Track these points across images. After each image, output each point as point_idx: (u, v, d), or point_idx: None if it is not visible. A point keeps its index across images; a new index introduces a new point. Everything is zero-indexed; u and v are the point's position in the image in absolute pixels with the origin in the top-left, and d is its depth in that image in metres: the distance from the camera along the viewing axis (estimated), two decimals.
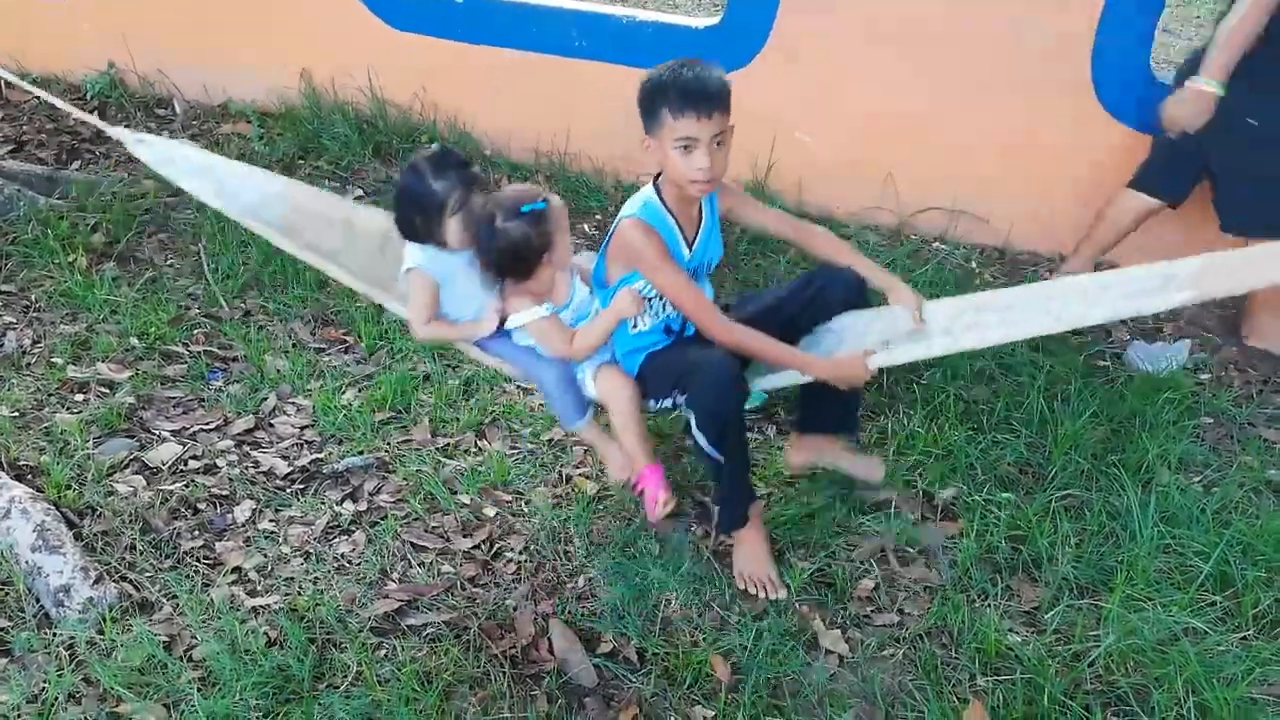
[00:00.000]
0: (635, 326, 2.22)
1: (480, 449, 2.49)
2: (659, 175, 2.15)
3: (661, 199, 2.15)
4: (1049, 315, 2.06)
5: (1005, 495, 2.37)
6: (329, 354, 2.83)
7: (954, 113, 3.66)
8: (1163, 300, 1.95)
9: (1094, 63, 3.47)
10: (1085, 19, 3.41)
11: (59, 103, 2.38)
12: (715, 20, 3.82)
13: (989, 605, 2.11)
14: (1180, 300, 1.92)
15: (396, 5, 4.00)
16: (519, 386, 2.72)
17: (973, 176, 3.76)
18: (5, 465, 2.23)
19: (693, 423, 2.06)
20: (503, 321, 2.19)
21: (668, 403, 2.21)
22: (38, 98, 4.24)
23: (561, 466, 2.45)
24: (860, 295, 2.28)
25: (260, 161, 3.81)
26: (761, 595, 2.13)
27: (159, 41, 4.28)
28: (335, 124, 4.04)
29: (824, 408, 2.36)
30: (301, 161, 3.91)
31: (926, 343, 2.20)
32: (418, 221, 2.12)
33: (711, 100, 1.96)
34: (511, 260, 2.10)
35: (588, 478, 2.42)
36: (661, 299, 2.18)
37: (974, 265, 3.68)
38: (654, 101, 2.00)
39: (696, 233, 2.22)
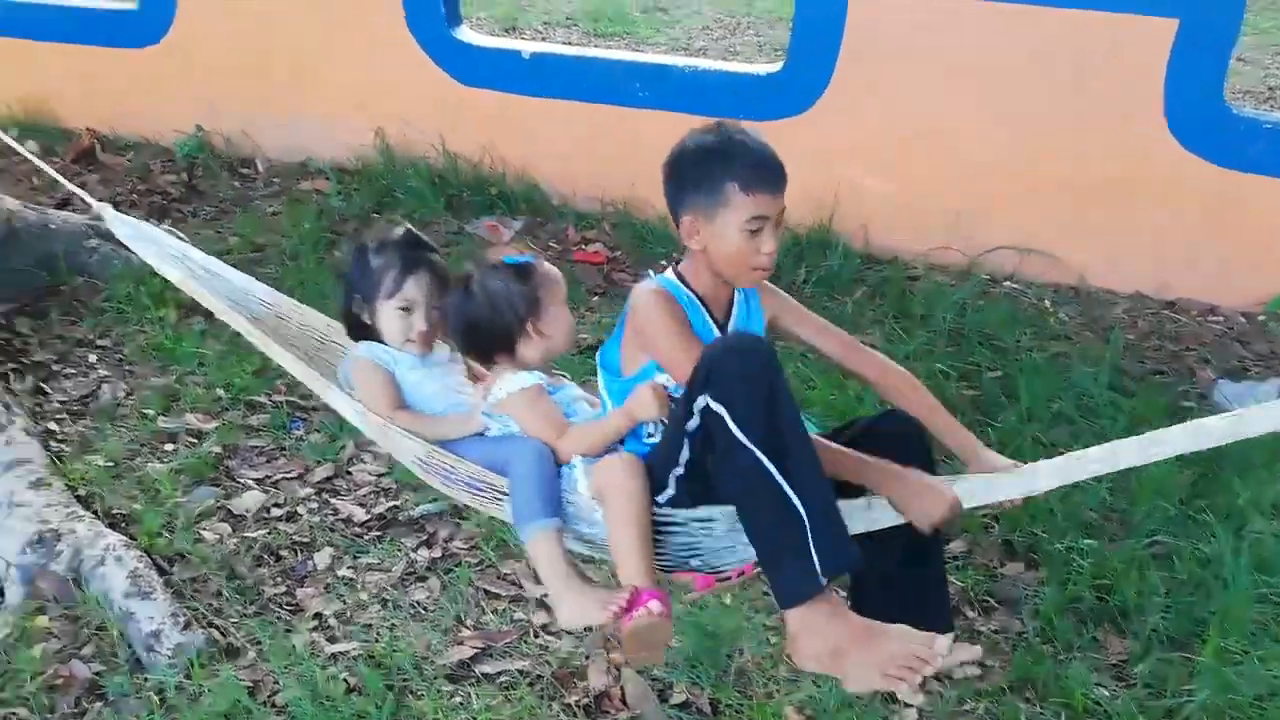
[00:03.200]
0: (649, 436, 1.70)
1: None
2: (676, 264, 1.79)
3: (685, 283, 1.74)
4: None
5: (1088, 542, 2.30)
6: None
7: (1022, 151, 3.64)
8: None
9: (1166, 98, 3.42)
10: (1156, 54, 3.37)
11: (35, 159, 2.43)
12: (777, 66, 3.86)
13: (1074, 658, 2.04)
14: None
15: (466, 62, 4.14)
16: None
17: (1043, 214, 3.71)
18: (100, 514, 2.33)
19: (729, 422, 1.46)
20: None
21: (683, 457, 1.59)
22: (129, 159, 4.52)
23: None
24: (925, 460, 1.68)
25: (334, 216, 3.97)
26: (917, 678, 1.40)
27: (243, 105, 4.49)
28: (409, 179, 4.17)
29: (895, 587, 1.67)
30: (376, 216, 4.04)
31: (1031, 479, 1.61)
32: (355, 308, 1.85)
33: (783, 174, 1.66)
34: (490, 323, 1.71)
35: None
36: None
37: (1047, 303, 3.61)
38: (712, 173, 1.64)
39: (727, 318, 1.79)
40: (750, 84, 3.88)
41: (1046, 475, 1.58)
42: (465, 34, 4.20)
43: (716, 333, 1.76)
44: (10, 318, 3.18)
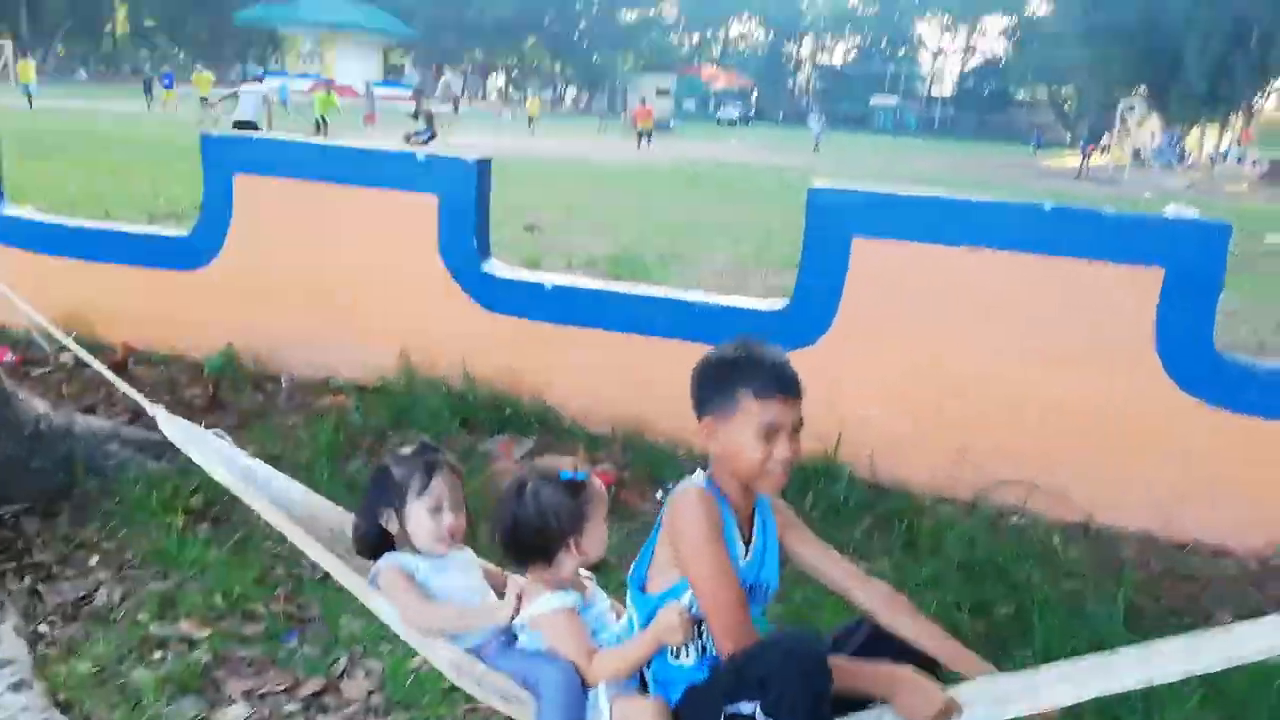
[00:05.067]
0: (676, 657, 1.81)
1: None
2: (709, 468, 1.88)
3: (718, 489, 1.84)
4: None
5: None
6: None
7: (1022, 388, 3.75)
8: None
9: (1159, 340, 3.57)
10: (1146, 299, 3.55)
11: (89, 359, 2.57)
12: (782, 303, 4.08)
13: None
14: None
15: (492, 290, 4.39)
16: None
17: (1047, 450, 3.77)
18: None
19: None
20: (514, 614, 1.81)
21: None
22: (159, 371, 4.69)
23: None
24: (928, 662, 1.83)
25: (351, 430, 4.05)
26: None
27: (276, 327, 4.72)
28: (427, 398, 4.30)
29: None
30: (392, 432, 4.12)
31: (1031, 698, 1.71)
32: (383, 520, 1.94)
33: (797, 385, 1.81)
34: (537, 532, 1.81)
35: None
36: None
37: (1056, 542, 3.58)
38: (730, 382, 1.79)
39: (751, 540, 1.89)
40: (758, 318, 4.08)
41: (1047, 682, 1.70)
42: (494, 266, 4.48)
43: (742, 548, 1.85)
44: (20, 517, 3.19)
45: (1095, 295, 3.63)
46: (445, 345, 4.44)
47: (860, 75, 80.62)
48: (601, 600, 1.96)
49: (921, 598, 2.94)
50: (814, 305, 3.97)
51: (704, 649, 1.81)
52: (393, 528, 1.96)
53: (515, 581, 1.95)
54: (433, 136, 20.70)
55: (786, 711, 1.57)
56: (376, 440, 4.00)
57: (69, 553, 3.06)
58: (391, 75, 57.85)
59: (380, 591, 1.93)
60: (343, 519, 2.23)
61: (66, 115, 24.49)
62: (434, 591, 1.91)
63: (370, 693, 2.48)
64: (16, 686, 2.25)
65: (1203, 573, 3.39)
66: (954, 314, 3.81)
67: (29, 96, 27.73)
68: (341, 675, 2.54)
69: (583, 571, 1.95)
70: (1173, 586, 3.28)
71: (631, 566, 1.89)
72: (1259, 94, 44.75)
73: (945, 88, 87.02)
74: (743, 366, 1.81)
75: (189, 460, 3.59)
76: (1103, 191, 23.10)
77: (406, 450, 2.01)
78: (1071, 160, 34.97)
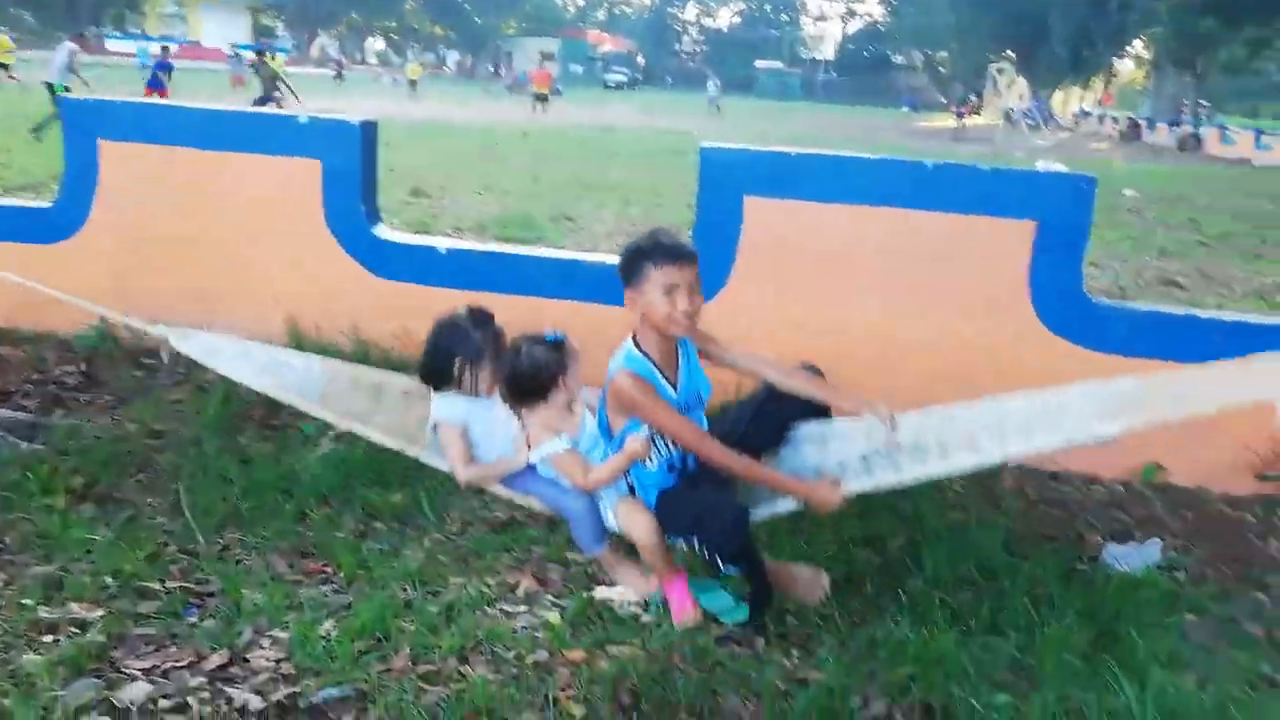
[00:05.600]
0: (645, 465, 2.58)
1: (463, 675, 2.42)
2: (634, 334, 2.57)
3: (640, 349, 2.54)
4: (1017, 435, 2.56)
5: (1003, 696, 2.32)
6: (307, 585, 2.79)
7: (908, 333, 3.91)
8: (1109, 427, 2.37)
9: (1032, 287, 3.78)
10: (1020, 249, 3.75)
11: (110, 314, 3.01)
12: None
13: None
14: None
15: (383, 256, 4.30)
16: (501, 609, 2.69)
17: (926, 392, 3.95)
18: None
19: (716, 558, 2.44)
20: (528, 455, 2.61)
21: (681, 543, 2.54)
22: (25, 350, 4.42)
23: (547, 691, 2.37)
24: (823, 409, 2.79)
25: (244, 401, 3.92)
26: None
27: (154, 299, 4.48)
28: None
29: None
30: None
31: (896, 471, 2.58)
32: (455, 367, 2.61)
33: (689, 253, 2.49)
34: (531, 380, 2.52)
35: (573, 699, 2.34)
36: (664, 438, 2.54)
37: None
38: (639, 259, 2.47)
39: (677, 372, 2.61)
40: None
41: (909, 429, 2.63)
42: (383, 231, 4.38)
43: (673, 392, 2.59)
44: None
45: (973, 246, 3.81)
46: (335, 312, 4.33)
47: (745, 40, 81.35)
48: (589, 424, 2.65)
49: (818, 534, 3.07)
50: (709, 262, 4.02)
51: (661, 455, 2.59)
52: (458, 377, 2.65)
53: (521, 432, 2.68)
54: (269, 101, 19.66)
55: (719, 549, 2.42)
56: (269, 410, 3.87)
57: None
58: (262, 39, 55.25)
59: (438, 437, 2.71)
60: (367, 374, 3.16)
61: None
62: (481, 436, 2.68)
63: (279, 661, 2.43)
64: None
65: (1074, 499, 3.64)
66: (841, 267, 3.94)
67: None
68: (247, 647, 2.48)
69: (575, 407, 2.65)
70: (1047, 512, 3.51)
71: (594, 422, 2.66)
72: (1117, 57, 47.28)
73: (828, 52, 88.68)
74: (646, 247, 2.48)
75: (66, 440, 3.47)
76: (977, 150, 24.06)
77: (477, 315, 2.73)
78: (947, 122, 36.22)
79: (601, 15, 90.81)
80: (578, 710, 2.30)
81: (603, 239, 8.93)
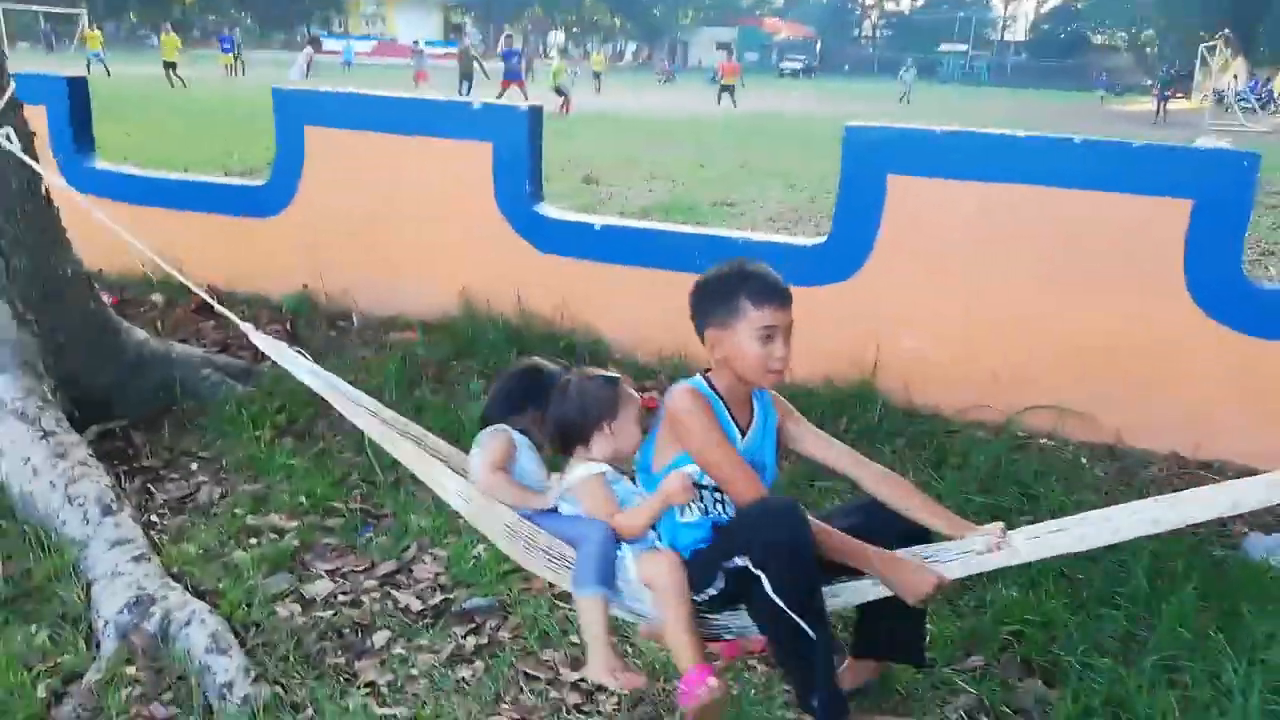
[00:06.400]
0: (682, 515, 2.07)
1: None
2: (707, 370, 2.14)
3: (712, 387, 2.10)
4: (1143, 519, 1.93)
5: (1104, 660, 2.37)
6: None
7: (1055, 318, 3.88)
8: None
9: (1187, 269, 3.67)
10: (1175, 229, 3.65)
11: (203, 294, 3.10)
12: (821, 239, 4.27)
13: None
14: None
15: (544, 231, 4.66)
16: None
17: (1077, 376, 3.91)
18: (189, 589, 2.60)
19: (767, 588, 1.83)
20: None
21: (717, 585, 1.95)
22: (242, 310, 5.08)
23: None
24: (919, 531, 2.09)
25: (418, 361, 4.38)
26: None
27: (347, 269, 5.06)
28: (487, 332, 4.60)
29: (885, 625, 2.15)
30: (454, 363, 4.44)
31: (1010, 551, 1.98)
32: (523, 410, 2.24)
33: (788, 293, 2.04)
34: (576, 418, 2.09)
35: None
36: (714, 492, 2.06)
37: (1083, 460, 3.74)
38: (730, 293, 2.02)
39: (749, 429, 2.14)
40: (798, 253, 4.28)
41: (1022, 545, 1.81)
42: (545, 209, 4.74)
43: (737, 432, 2.10)
44: (128, 430, 3.59)
45: (1125, 226, 3.74)
46: (502, 283, 4.73)
47: (928, 22, 78.32)
48: (631, 485, 2.19)
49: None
50: (851, 241, 4.14)
51: (705, 510, 2.07)
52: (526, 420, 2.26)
53: (556, 478, 2.24)
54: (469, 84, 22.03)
55: (772, 559, 1.85)
56: (441, 369, 4.32)
57: (172, 460, 3.46)
58: (453, 35, 58.21)
59: (479, 450, 2.22)
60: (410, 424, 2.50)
61: (139, 80, 25.34)
62: (519, 467, 2.21)
63: (437, 574, 2.81)
64: (136, 559, 2.62)
65: None
66: (986, 247, 3.96)
67: (92, 63, 26.52)
68: (412, 560, 2.87)
69: (620, 461, 2.18)
70: None
71: (638, 455, 2.16)
72: None
73: (1018, 33, 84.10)
74: (741, 280, 2.03)
75: (273, 384, 4.01)
76: (1178, 136, 22.35)
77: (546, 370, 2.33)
78: (1147, 105, 33.70)
79: (780, 2, 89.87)
80: None
81: (764, 223, 9.09)
